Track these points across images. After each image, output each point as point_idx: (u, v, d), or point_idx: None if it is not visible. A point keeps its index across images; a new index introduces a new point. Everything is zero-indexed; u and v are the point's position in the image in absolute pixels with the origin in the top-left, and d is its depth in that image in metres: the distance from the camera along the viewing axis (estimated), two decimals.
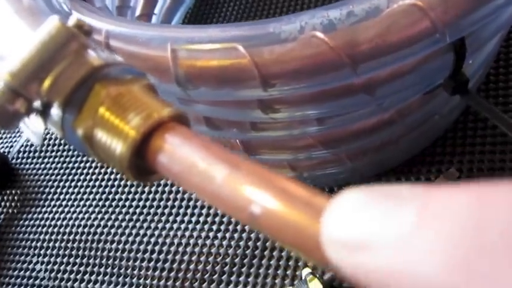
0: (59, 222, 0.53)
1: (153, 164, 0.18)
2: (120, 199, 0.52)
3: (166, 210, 0.49)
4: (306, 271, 0.40)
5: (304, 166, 0.41)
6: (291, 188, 0.15)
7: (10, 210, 0.57)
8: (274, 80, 0.26)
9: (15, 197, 0.57)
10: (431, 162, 0.42)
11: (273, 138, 0.37)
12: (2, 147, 0.62)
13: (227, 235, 0.45)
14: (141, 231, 0.49)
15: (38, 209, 0.55)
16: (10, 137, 0.63)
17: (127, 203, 0.51)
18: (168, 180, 0.50)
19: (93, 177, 0.55)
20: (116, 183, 0.53)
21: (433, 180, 0.41)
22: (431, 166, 0.42)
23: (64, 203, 0.54)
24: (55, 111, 0.19)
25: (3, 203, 0.57)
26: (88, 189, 0.54)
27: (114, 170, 0.54)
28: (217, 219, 0.47)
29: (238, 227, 0.45)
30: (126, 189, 0.52)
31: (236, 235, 0.45)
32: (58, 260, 0.51)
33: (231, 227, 0.46)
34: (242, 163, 0.16)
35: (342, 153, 0.39)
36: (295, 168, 0.41)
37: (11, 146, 0.61)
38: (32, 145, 0.60)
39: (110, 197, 0.52)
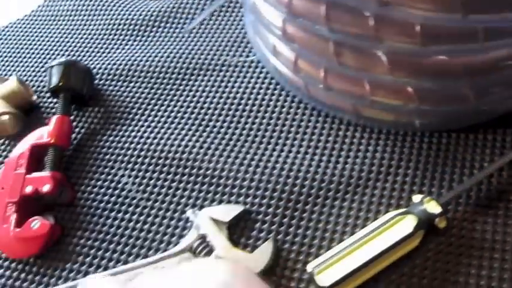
0: (148, 141, 0.53)
1: None
2: (214, 126, 0.53)
3: (265, 140, 0.51)
4: (419, 196, 0.43)
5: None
6: None
7: (92, 126, 0.56)
8: None
9: (98, 115, 0.57)
10: None
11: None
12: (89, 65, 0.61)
13: (330, 165, 0.48)
14: (240, 155, 0.50)
15: (124, 127, 0.55)
16: (99, 54, 0.63)
17: (222, 130, 0.53)
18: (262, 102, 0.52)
19: (185, 104, 0.56)
20: (210, 111, 0.55)
21: None
22: None
23: (153, 124, 0.55)
24: None
25: (84, 119, 0.57)
26: (179, 115, 0.55)
27: (206, 105, 0.55)
28: (318, 151, 0.49)
29: (341, 159, 0.48)
30: (221, 118, 0.54)
31: (339, 166, 0.48)
32: (147, 175, 0.51)
33: (333, 158, 0.48)
34: None
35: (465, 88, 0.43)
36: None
37: (93, 68, 0.61)
38: (117, 69, 0.60)
39: (204, 123, 0.54)
